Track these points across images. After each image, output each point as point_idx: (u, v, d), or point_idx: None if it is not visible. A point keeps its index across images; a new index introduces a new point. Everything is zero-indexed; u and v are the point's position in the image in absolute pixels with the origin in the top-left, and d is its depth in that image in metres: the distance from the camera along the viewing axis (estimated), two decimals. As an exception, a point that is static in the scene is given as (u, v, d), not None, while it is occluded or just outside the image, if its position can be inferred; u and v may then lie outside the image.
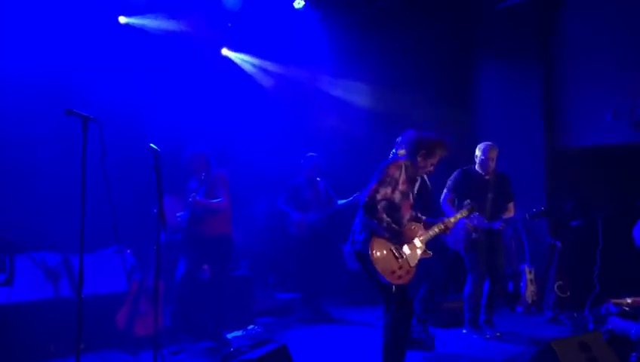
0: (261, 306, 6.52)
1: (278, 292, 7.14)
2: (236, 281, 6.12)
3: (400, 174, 3.88)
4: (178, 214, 5.32)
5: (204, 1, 6.64)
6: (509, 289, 6.76)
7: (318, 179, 6.49)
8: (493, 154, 5.51)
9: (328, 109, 7.93)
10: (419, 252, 3.93)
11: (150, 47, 6.54)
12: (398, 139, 4.94)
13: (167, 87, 6.59)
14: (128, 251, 5.74)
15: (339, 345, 5.35)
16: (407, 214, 3.97)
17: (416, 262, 3.89)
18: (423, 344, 4.95)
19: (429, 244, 4.03)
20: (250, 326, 5.98)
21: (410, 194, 4.01)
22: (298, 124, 7.66)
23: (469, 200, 4.63)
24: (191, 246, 5.30)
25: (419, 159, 3.98)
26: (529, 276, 6.60)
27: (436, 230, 4.07)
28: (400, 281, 3.78)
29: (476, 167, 5.59)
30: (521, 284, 6.64)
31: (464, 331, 5.53)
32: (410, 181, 3.99)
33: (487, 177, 5.53)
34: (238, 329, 5.78)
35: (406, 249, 3.88)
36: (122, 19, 6.41)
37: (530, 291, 6.57)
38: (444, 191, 5.54)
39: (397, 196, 3.87)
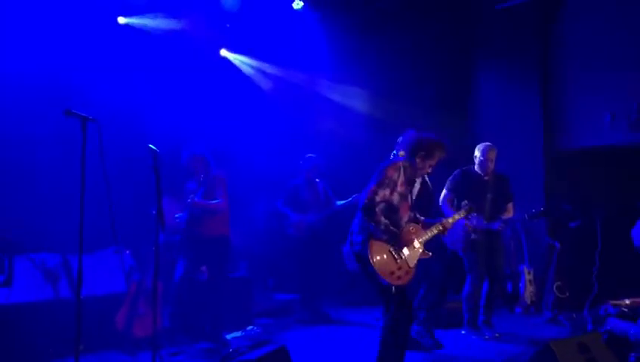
0: (260, 307, 6.52)
1: (277, 293, 7.14)
2: (235, 282, 6.12)
3: (399, 176, 3.88)
4: (177, 215, 5.31)
5: (203, 1, 6.64)
6: (508, 289, 6.77)
7: (317, 180, 6.49)
8: (492, 155, 5.51)
9: (327, 113, 7.93)
10: (418, 252, 3.93)
11: (149, 47, 6.55)
12: (399, 139, 4.95)
13: (167, 88, 6.60)
14: (127, 252, 5.75)
15: (338, 345, 5.34)
16: (405, 216, 3.97)
17: (415, 262, 3.88)
18: (422, 345, 4.95)
19: (428, 245, 4.03)
20: (249, 327, 5.98)
21: (409, 196, 4.01)
22: (297, 126, 7.66)
23: (466, 201, 4.64)
24: (189, 248, 5.30)
25: (417, 160, 3.98)
26: (528, 277, 6.61)
27: (434, 231, 4.07)
28: (399, 282, 3.78)
29: (475, 167, 5.59)
30: (520, 285, 6.64)
31: (463, 332, 5.53)
32: (409, 182, 3.98)
33: (486, 178, 5.54)
34: (237, 330, 5.79)
35: (405, 249, 3.87)
36: (121, 20, 6.42)
37: (529, 292, 6.57)
38: (444, 191, 5.54)
39: (395, 198, 3.87)
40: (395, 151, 5.02)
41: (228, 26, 7.21)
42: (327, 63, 7.77)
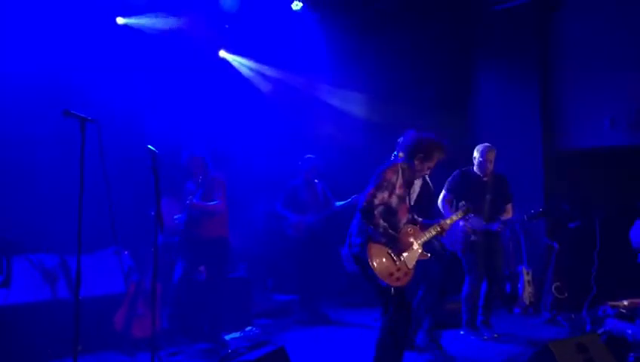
0: (259, 308, 6.52)
1: (275, 294, 7.14)
2: (234, 283, 6.12)
3: (397, 178, 3.88)
4: (175, 216, 5.31)
5: (202, 2, 6.64)
6: (507, 290, 6.76)
7: (315, 180, 6.49)
8: (491, 155, 5.51)
9: (326, 117, 7.93)
10: (416, 254, 3.93)
11: (148, 48, 6.55)
12: (400, 139, 4.94)
13: (166, 89, 6.60)
14: (126, 252, 5.75)
15: (336, 346, 5.34)
16: (404, 218, 3.97)
17: (413, 263, 3.88)
18: (420, 345, 4.95)
19: (426, 246, 4.03)
20: (248, 328, 5.97)
21: (407, 198, 4.01)
22: (296, 128, 7.66)
23: (464, 202, 4.64)
24: (188, 249, 5.30)
25: (416, 162, 3.98)
26: (527, 277, 6.61)
27: (432, 232, 4.07)
28: (398, 283, 3.78)
29: (474, 168, 5.59)
30: (519, 285, 6.64)
31: (462, 332, 5.53)
32: (407, 184, 3.99)
33: (485, 179, 5.54)
34: (236, 331, 5.78)
35: (404, 251, 3.87)
36: (120, 20, 6.42)
37: (527, 292, 6.57)
38: (443, 191, 5.54)
39: (394, 200, 3.87)
40: (395, 152, 5.01)
41: (227, 26, 7.21)
42: (326, 64, 7.76)
